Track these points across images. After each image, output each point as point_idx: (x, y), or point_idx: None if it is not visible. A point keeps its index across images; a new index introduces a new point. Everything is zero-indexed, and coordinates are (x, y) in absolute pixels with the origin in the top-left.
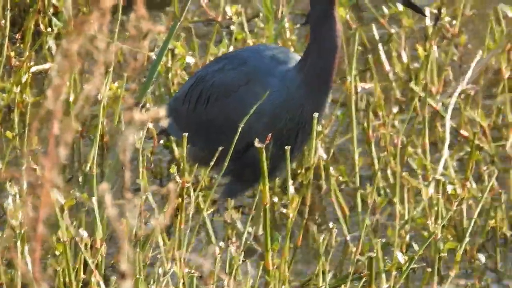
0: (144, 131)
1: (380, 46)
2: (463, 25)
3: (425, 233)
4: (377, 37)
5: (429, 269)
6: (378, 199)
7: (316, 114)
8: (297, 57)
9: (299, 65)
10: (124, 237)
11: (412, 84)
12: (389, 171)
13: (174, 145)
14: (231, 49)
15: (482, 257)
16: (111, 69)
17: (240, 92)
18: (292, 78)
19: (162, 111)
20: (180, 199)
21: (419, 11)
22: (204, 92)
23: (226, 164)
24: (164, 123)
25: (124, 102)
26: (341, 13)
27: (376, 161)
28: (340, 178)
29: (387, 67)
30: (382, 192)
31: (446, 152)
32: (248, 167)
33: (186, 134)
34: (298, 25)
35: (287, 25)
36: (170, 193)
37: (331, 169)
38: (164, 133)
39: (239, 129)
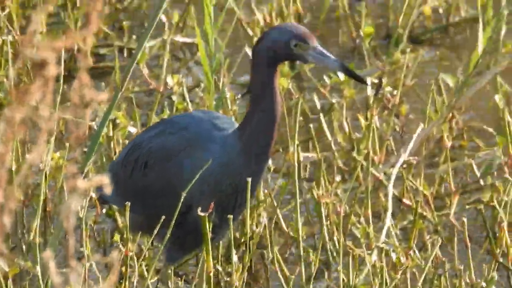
0: (87, 199)
1: (321, 115)
2: (404, 95)
3: None
4: (318, 106)
5: None
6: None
7: (249, 179)
8: (236, 124)
9: (238, 132)
10: None
11: (354, 154)
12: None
13: (117, 214)
14: None
15: None
16: (53, 138)
17: (180, 157)
18: (232, 145)
19: (105, 179)
20: (123, 268)
21: (360, 80)
22: (141, 158)
23: (168, 231)
24: (108, 190)
25: (67, 171)
26: (283, 83)
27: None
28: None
29: (329, 136)
30: (327, 259)
31: (388, 220)
32: (190, 233)
33: (129, 203)
34: (240, 96)
35: (228, 95)
36: (113, 261)
37: (274, 238)
38: (101, 200)
39: (182, 196)
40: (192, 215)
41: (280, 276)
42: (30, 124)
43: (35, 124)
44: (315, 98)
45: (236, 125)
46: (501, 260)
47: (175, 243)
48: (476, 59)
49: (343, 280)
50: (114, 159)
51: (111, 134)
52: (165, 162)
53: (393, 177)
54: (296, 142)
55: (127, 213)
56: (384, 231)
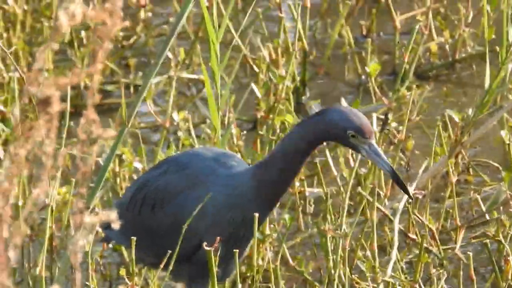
0: (93, 234)
1: (327, 150)
2: (410, 130)
3: None
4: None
5: None
6: None
7: (256, 214)
8: (236, 159)
9: (253, 171)
10: None
11: (360, 189)
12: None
13: (123, 248)
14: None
15: None
16: (58, 174)
17: (183, 196)
18: (243, 182)
19: (112, 214)
20: None
21: (407, 192)
22: (148, 197)
23: (171, 267)
24: (116, 225)
25: (73, 206)
26: (289, 118)
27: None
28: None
29: (334, 171)
30: None
31: (394, 254)
32: (201, 269)
33: (134, 238)
34: (245, 132)
35: (234, 131)
36: None
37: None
38: (107, 238)
39: (183, 231)
40: (203, 250)
41: None
42: (36, 160)
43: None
44: None
45: (239, 159)
46: None
47: (194, 278)
48: (489, 95)
49: None
50: (120, 195)
51: (117, 169)
52: (170, 201)
53: (399, 212)
54: (302, 177)
55: (133, 248)
56: (390, 265)
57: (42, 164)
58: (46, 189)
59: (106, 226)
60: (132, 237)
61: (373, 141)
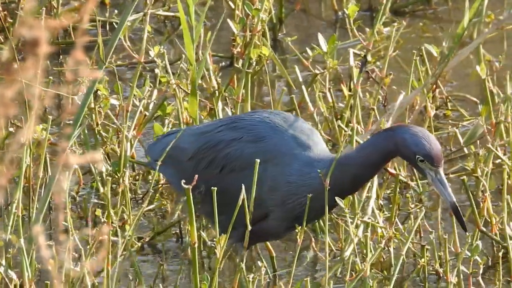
0: (71, 173)
1: (303, 87)
2: (387, 66)
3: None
4: (300, 78)
5: None
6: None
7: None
8: (316, 138)
9: (331, 163)
10: (55, 277)
11: (339, 123)
12: None
13: (100, 186)
14: (155, 92)
15: None
16: (34, 112)
17: (259, 169)
18: (316, 176)
19: (97, 155)
20: (108, 241)
21: (463, 226)
22: (218, 160)
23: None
24: (100, 166)
25: (58, 147)
26: (265, 51)
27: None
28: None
29: (311, 107)
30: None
31: (374, 192)
32: (259, 236)
33: (189, 187)
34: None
35: (210, 67)
36: (99, 235)
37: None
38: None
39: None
40: (266, 223)
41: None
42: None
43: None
44: (297, 69)
45: (318, 137)
46: (484, 229)
47: (242, 233)
48: (463, 29)
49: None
50: (97, 131)
51: (92, 105)
52: (241, 170)
53: None
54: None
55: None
56: (371, 203)
57: (24, 105)
58: (29, 129)
59: (157, 159)
60: (186, 186)
61: (441, 170)
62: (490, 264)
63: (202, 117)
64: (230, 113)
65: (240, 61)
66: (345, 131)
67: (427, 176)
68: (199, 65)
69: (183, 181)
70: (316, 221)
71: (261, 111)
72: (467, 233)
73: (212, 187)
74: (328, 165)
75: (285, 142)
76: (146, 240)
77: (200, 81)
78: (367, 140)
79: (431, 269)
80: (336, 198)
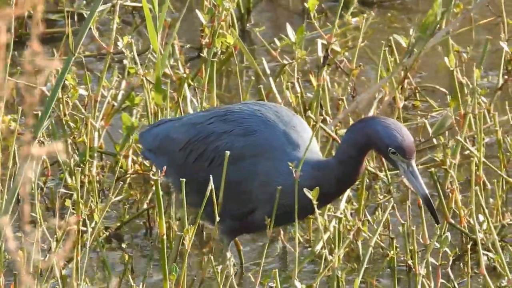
0: (39, 164)
1: (270, 78)
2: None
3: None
4: (267, 69)
5: None
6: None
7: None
8: (307, 136)
9: (311, 172)
10: (23, 268)
11: (309, 113)
12: None
13: (67, 177)
14: (123, 83)
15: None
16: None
17: (247, 162)
18: (304, 176)
19: (59, 146)
20: (77, 232)
21: (436, 218)
22: (208, 153)
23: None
24: (62, 156)
25: (22, 138)
26: (229, 39)
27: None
28: None
29: (278, 98)
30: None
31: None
32: (247, 228)
33: (183, 180)
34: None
35: (178, 57)
36: (67, 225)
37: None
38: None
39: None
40: (255, 216)
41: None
42: None
43: None
44: (264, 60)
45: (308, 132)
46: (452, 221)
47: (231, 225)
48: (432, 18)
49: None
50: (64, 121)
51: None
52: (231, 164)
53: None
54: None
55: (183, 190)
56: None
57: None
58: None
59: (150, 148)
60: (181, 179)
61: (413, 161)
62: (458, 256)
63: (169, 108)
64: (197, 104)
65: (205, 50)
66: (314, 121)
67: (399, 168)
68: (163, 54)
69: (164, 167)
70: (301, 219)
71: (252, 103)
72: (437, 225)
73: (181, 179)
74: (314, 169)
75: (276, 138)
76: (113, 230)
77: (168, 72)
78: (342, 138)
79: (401, 259)
80: (305, 190)
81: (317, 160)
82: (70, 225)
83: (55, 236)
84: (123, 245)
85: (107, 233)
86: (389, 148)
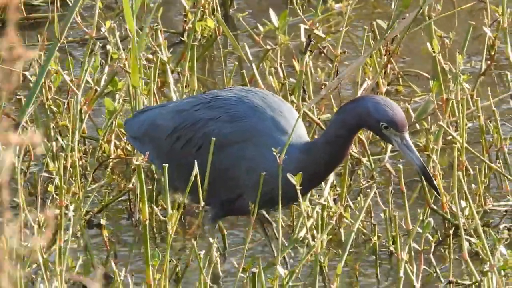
0: (22, 150)
1: (253, 64)
2: (338, 41)
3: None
4: (249, 54)
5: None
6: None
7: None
8: (292, 121)
9: (299, 154)
10: (4, 254)
11: (292, 97)
12: None
13: (49, 162)
14: (107, 69)
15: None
16: None
17: (235, 148)
18: (289, 161)
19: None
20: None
21: (435, 189)
22: (196, 139)
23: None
24: (39, 150)
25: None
26: (210, 23)
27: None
28: None
29: (261, 83)
30: None
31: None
32: (233, 211)
33: (166, 165)
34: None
35: (161, 40)
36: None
37: None
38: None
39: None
40: (241, 201)
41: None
42: None
43: None
44: (246, 46)
45: (294, 117)
46: (434, 207)
47: (219, 211)
48: None
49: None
50: (46, 106)
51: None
52: (218, 150)
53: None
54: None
55: (166, 177)
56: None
57: None
58: None
59: (135, 136)
60: (165, 164)
61: (406, 134)
62: (441, 241)
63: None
64: (174, 89)
65: (186, 33)
66: (295, 105)
67: (393, 142)
68: (141, 35)
69: (147, 152)
70: (288, 204)
71: (238, 88)
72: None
73: (164, 164)
74: (301, 152)
75: (263, 123)
76: (95, 212)
77: (151, 56)
78: (331, 119)
79: (384, 245)
80: (288, 175)
81: (305, 143)
82: (53, 211)
83: (37, 220)
84: (105, 232)
85: (89, 218)
86: (381, 123)
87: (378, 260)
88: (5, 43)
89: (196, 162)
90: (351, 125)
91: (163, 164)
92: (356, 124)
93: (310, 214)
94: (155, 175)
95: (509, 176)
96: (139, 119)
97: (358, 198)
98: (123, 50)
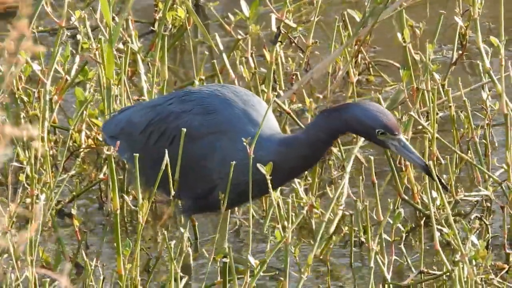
0: None
1: (223, 53)
2: (309, 31)
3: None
4: (220, 44)
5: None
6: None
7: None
8: (263, 112)
9: (277, 147)
10: None
11: (263, 87)
12: None
13: (20, 151)
14: (77, 58)
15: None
16: None
17: (207, 140)
18: (266, 153)
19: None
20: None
21: (443, 185)
22: (169, 132)
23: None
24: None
25: None
26: (180, 13)
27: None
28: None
29: (232, 73)
30: None
31: None
32: (207, 207)
33: (137, 155)
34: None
35: (133, 32)
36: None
37: None
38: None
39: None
40: (214, 195)
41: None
42: None
43: None
44: (217, 36)
45: (264, 105)
46: (405, 197)
47: (192, 205)
48: None
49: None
50: (16, 96)
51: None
52: (190, 142)
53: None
54: (202, 77)
55: (137, 166)
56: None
57: None
58: None
59: (112, 135)
60: (135, 154)
61: (401, 136)
62: (412, 231)
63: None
64: (145, 79)
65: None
66: (266, 95)
67: (390, 147)
68: (116, 26)
69: (117, 142)
70: (260, 197)
71: (212, 84)
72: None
73: (135, 154)
74: (280, 145)
75: (235, 116)
76: (66, 202)
77: (122, 47)
78: (314, 120)
79: (355, 235)
80: (258, 165)
81: (284, 136)
82: (23, 200)
83: (8, 210)
84: (76, 222)
85: (60, 207)
86: (377, 130)
87: (351, 251)
88: None
89: (167, 153)
90: (336, 131)
91: (134, 154)
92: (341, 130)
93: (279, 204)
94: (126, 165)
95: (480, 166)
96: (116, 118)
97: (327, 188)
98: (94, 39)
